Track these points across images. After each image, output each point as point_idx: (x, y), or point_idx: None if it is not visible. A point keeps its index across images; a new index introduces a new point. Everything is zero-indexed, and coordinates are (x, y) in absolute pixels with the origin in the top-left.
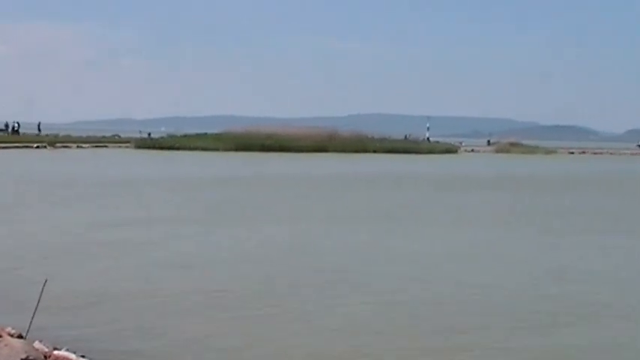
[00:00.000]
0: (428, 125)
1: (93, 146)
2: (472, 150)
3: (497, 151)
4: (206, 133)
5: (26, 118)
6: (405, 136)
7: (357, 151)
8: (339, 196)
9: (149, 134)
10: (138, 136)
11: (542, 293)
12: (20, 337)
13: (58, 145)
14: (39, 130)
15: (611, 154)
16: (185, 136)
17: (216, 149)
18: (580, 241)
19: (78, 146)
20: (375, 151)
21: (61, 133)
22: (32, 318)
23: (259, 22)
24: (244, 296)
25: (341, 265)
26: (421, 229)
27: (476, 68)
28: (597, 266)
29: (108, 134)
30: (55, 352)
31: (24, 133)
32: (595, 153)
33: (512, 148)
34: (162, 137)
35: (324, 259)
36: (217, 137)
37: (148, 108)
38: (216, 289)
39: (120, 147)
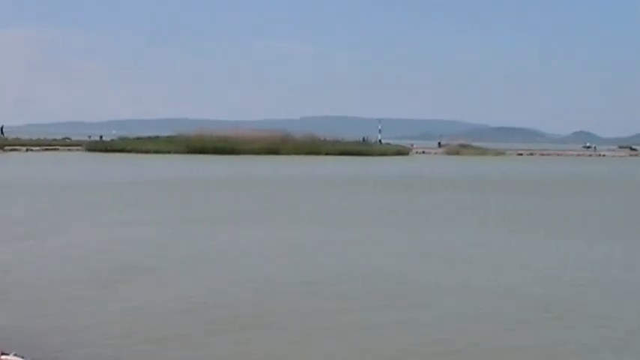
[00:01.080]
0: (380, 127)
1: (43, 149)
2: (423, 152)
3: (447, 153)
4: (158, 136)
5: None
6: (363, 139)
7: (309, 153)
8: (281, 198)
9: (101, 137)
10: (89, 139)
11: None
12: None
13: (7, 148)
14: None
15: (558, 155)
16: (137, 138)
17: (168, 152)
18: (545, 243)
19: (27, 149)
20: (327, 154)
21: (11, 136)
22: None
23: (212, 25)
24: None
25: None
26: (386, 231)
27: (426, 71)
28: (554, 266)
29: (59, 137)
30: (3, 357)
31: None
32: (543, 154)
33: (463, 149)
34: (113, 140)
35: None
36: (169, 140)
37: (100, 111)
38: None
39: (71, 150)
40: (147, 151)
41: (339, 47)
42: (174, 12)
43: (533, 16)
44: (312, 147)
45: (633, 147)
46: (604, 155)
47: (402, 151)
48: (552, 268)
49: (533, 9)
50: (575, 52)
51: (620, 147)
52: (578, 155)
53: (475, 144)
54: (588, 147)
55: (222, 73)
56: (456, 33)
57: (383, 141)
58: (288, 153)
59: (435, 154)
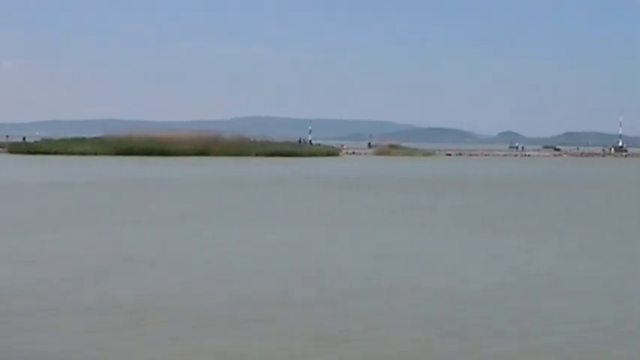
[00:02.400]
0: (310, 128)
1: None
2: (353, 152)
3: (377, 154)
4: (85, 138)
5: None
6: (300, 140)
7: (240, 154)
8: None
9: (24, 138)
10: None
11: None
12: None
13: None
14: None
15: (485, 155)
16: (62, 140)
17: (95, 154)
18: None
19: None
20: (257, 155)
21: None
22: None
23: (142, 25)
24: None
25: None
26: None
27: (356, 72)
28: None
29: None
30: None
31: None
32: (471, 154)
33: (392, 150)
34: (36, 142)
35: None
36: (97, 141)
37: (21, 112)
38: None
39: None
40: (73, 153)
41: (268, 48)
42: (103, 12)
43: (462, 17)
44: (243, 148)
45: (557, 147)
46: (529, 155)
47: (332, 152)
48: (495, 263)
49: (464, 9)
50: (502, 54)
51: (545, 147)
52: (505, 155)
53: (405, 144)
54: (516, 147)
55: (151, 74)
56: (385, 33)
57: (313, 142)
58: (218, 154)
59: (365, 154)
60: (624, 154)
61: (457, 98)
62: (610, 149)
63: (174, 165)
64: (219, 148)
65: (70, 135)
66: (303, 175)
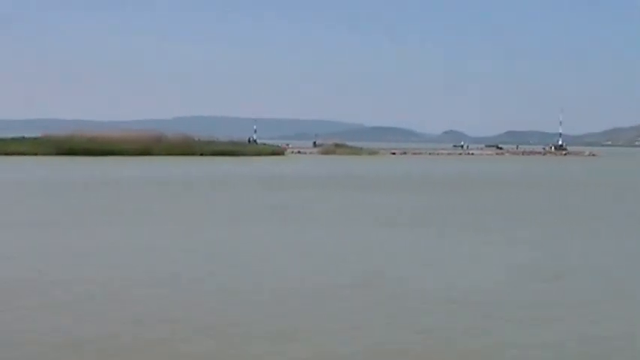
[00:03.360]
0: (255, 127)
1: None
2: (299, 152)
3: (323, 153)
4: (23, 137)
5: None
6: (249, 140)
7: (183, 154)
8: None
9: None
10: None
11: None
12: None
13: None
14: None
15: (430, 154)
16: (1, 140)
17: (35, 154)
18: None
19: None
20: (202, 154)
21: None
22: None
23: (87, 22)
24: None
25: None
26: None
27: (302, 70)
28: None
29: None
30: None
31: None
32: (415, 153)
33: (338, 149)
34: None
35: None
36: (36, 141)
37: None
38: None
39: None
40: (11, 153)
41: (212, 45)
42: (43, 8)
43: (407, 16)
44: (186, 147)
45: (499, 146)
46: (473, 154)
47: (277, 151)
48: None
49: (411, 8)
50: (447, 53)
51: (487, 146)
52: (449, 154)
53: (350, 143)
54: (461, 146)
55: (92, 72)
56: (331, 31)
57: (259, 141)
58: (161, 154)
59: (311, 153)
60: (564, 152)
61: (403, 97)
62: (550, 148)
63: (110, 165)
64: (163, 148)
65: (10, 135)
66: (241, 174)
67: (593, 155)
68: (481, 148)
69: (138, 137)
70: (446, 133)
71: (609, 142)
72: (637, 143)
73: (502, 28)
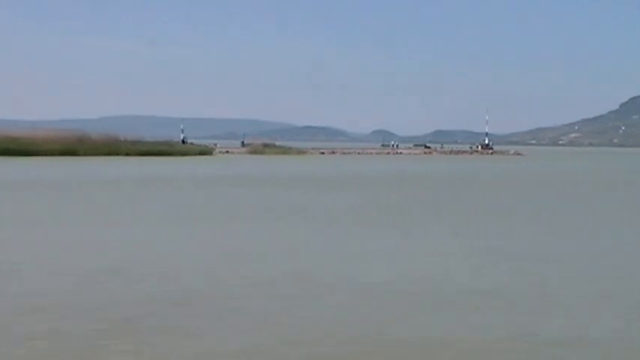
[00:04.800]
0: (182, 127)
1: None
2: (227, 151)
3: (251, 153)
4: None
5: None
6: (183, 140)
7: (109, 154)
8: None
9: None
10: None
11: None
12: None
13: None
14: None
15: (359, 153)
16: None
17: None
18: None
19: None
20: (128, 154)
21: None
22: None
23: (6, 18)
24: None
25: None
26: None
27: (232, 69)
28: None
29: None
30: None
31: None
32: (344, 153)
33: (266, 149)
34: None
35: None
36: None
37: None
38: None
39: None
40: None
41: (139, 43)
42: None
43: (334, 16)
44: (112, 147)
45: (427, 145)
46: (401, 153)
47: (205, 151)
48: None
49: (340, 8)
50: (376, 53)
51: (416, 145)
52: (377, 153)
53: (280, 143)
54: (389, 145)
55: (14, 70)
56: (258, 31)
57: (187, 141)
58: (86, 154)
59: (239, 153)
60: (490, 151)
61: (333, 97)
62: (477, 147)
63: (37, 165)
64: (87, 148)
65: None
66: (165, 175)
67: (519, 154)
68: (410, 148)
69: (61, 137)
70: (375, 132)
71: (534, 141)
72: (560, 142)
73: (430, 29)
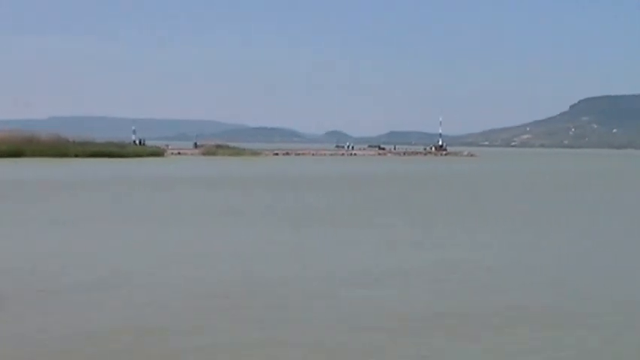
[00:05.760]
0: (134, 128)
1: None
2: (179, 153)
3: (204, 154)
4: None
5: None
6: (140, 141)
7: (57, 155)
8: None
9: None
10: None
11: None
12: None
13: None
14: None
15: (313, 154)
16: None
17: None
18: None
19: None
20: (77, 156)
21: None
22: None
23: None
24: None
25: None
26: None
27: (185, 69)
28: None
29: None
30: None
31: None
32: (298, 154)
33: (219, 150)
34: None
35: None
36: None
37: None
38: None
39: None
40: None
41: (90, 42)
42: None
43: (286, 15)
44: (61, 149)
45: (381, 146)
46: (355, 154)
47: (156, 152)
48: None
49: (292, 8)
50: (328, 53)
51: (370, 146)
52: (332, 154)
53: (233, 144)
54: (343, 146)
55: None
56: (206, 30)
57: (137, 142)
58: (34, 155)
59: (192, 154)
60: (444, 152)
61: (286, 98)
62: (431, 148)
63: None
64: (35, 149)
65: None
66: (111, 176)
67: (472, 155)
68: (364, 149)
69: (7, 138)
70: (329, 133)
71: (487, 143)
72: (513, 143)
73: (384, 29)
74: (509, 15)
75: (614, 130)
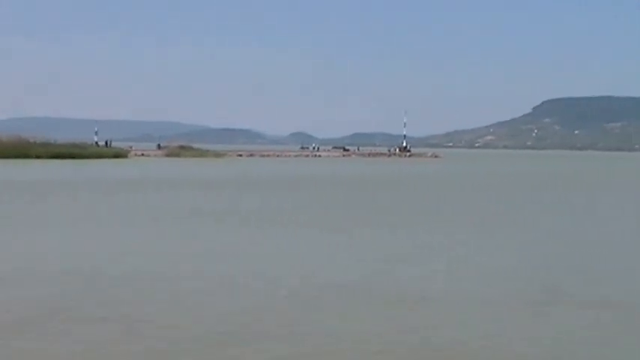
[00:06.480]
0: (96, 129)
1: None
2: (142, 154)
3: (167, 155)
4: None
5: None
6: (107, 143)
7: (18, 156)
8: None
9: None
10: None
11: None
12: None
13: None
14: None
15: (277, 156)
16: None
17: None
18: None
19: None
20: (38, 157)
21: None
22: None
23: None
24: None
25: None
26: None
27: (147, 71)
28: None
29: None
30: None
31: None
32: (262, 155)
33: (183, 151)
34: None
35: None
36: None
37: None
38: None
39: None
40: None
41: (52, 42)
42: None
43: (249, 17)
44: (21, 150)
45: (346, 147)
46: (320, 156)
47: (120, 154)
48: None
49: (249, 9)
50: (293, 54)
51: (335, 147)
52: (296, 156)
53: (196, 145)
54: (309, 147)
55: None
56: (167, 31)
57: (100, 143)
58: None
59: (155, 156)
60: (408, 154)
61: (250, 99)
62: (395, 149)
63: None
64: None
65: None
66: (74, 178)
67: (436, 157)
68: (328, 150)
69: None
70: (294, 134)
71: (451, 144)
72: (476, 145)
73: (348, 31)
74: (471, 16)
75: (576, 132)
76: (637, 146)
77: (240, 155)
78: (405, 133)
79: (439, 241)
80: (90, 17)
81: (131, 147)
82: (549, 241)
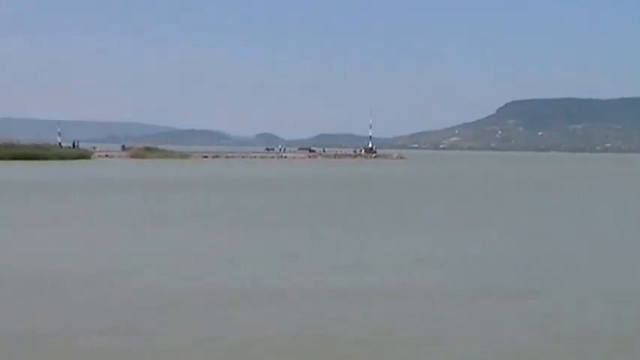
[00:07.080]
0: (59, 130)
1: None
2: (106, 155)
3: (132, 156)
4: None
5: None
6: (74, 144)
7: None
8: None
9: None
10: None
11: None
12: None
13: None
14: None
15: (243, 157)
16: None
17: None
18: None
19: None
20: (0, 158)
21: None
22: None
23: None
24: None
25: None
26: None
27: (112, 71)
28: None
29: None
30: None
31: None
32: (228, 157)
33: (148, 152)
34: None
35: None
36: None
37: None
38: None
39: None
40: None
41: (16, 41)
42: None
43: (215, 16)
44: None
45: (312, 149)
46: (286, 157)
47: (83, 155)
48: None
49: (218, 9)
50: (259, 54)
51: (300, 148)
52: (262, 157)
53: (162, 147)
54: (276, 149)
55: None
56: (132, 32)
57: (63, 144)
58: None
59: (119, 157)
60: (374, 155)
61: (215, 100)
62: (361, 151)
63: None
64: None
65: None
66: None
67: (402, 158)
68: (294, 151)
69: None
70: (260, 135)
71: (416, 145)
72: (442, 146)
73: (312, 30)
74: (437, 17)
75: (540, 133)
76: (598, 147)
77: (206, 157)
78: (370, 134)
79: (399, 241)
80: (57, 17)
81: (95, 148)
82: (510, 238)
